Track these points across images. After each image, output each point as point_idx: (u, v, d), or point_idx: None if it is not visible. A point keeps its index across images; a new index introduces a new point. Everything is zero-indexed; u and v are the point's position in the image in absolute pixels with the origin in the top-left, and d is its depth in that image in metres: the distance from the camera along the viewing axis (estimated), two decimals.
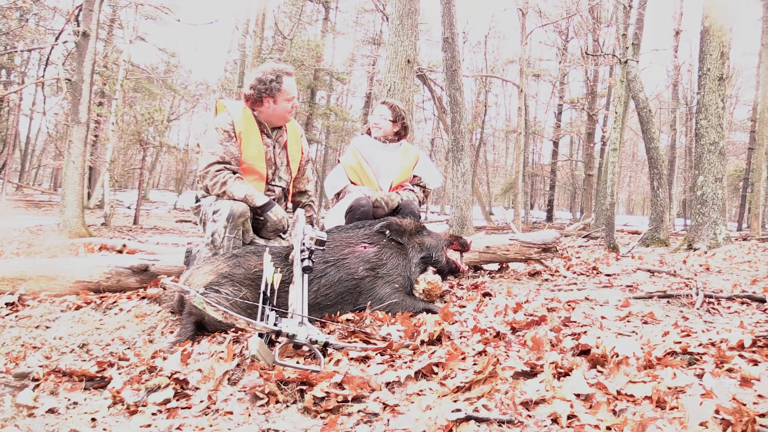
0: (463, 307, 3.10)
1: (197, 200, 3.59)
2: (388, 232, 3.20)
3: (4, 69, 29.32)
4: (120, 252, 7.39)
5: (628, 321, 2.93)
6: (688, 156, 27.31)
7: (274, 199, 3.56)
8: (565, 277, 4.24)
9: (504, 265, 4.46)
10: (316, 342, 2.28)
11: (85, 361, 2.52)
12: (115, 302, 3.51)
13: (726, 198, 7.67)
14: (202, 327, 2.73)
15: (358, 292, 2.97)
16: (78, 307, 3.39)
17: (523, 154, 18.81)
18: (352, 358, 2.29)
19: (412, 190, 4.02)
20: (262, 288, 2.54)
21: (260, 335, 2.33)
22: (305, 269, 2.60)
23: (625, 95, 8.65)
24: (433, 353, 2.25)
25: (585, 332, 2.48)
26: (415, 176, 4.08)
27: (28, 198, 27.43)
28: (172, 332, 2.86)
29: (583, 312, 3.08)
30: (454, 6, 10.84)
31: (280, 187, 3.61)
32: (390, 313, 2.92)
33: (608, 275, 4.34)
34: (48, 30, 22.62)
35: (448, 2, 10.82)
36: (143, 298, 3.62)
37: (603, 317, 2.97)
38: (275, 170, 3.59)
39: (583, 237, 14.81)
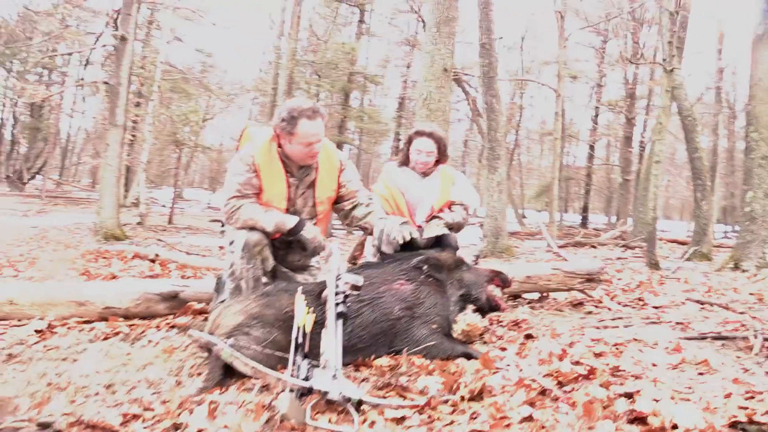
0: (504, 349, 2.93)
1: (223, 225, 3.49)
2: (425, 267, 3.04)
3: (46, 69, 29.99)
4: (153, 261, 7.41)
5: (681, 370, 2.73)
6: (730, 161, 26.49)
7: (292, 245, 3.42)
8: (609, 309, 4.03)
9: (545, 294, 4.27)
10: (349, 399, 2.15)
11: (109, 407, 2.42)
12: (143, 332, 3.44)
13: None
14: (230, 370, 2.62)
15: (393, 333, 2.82)
16: (106, 337, 3.32)
17: (559, 159, 18.42)
18: (387, 418, 2.15)
19: (454, 212, 3.84)
20: (294, 335, 2.42)
21: (291, 390, 2.21)
22: (339, 315, 2.47)
23: (668, 104, 8.32)
24: (474, 417, 2.09)
25: (638, 391, 2.29)
26: (453, 202, 3.90)
27: (68, 195, 28.09)
28: (199, 374, 2.75)
29: (632, 356, 2.90)
30: (492, 11, 10.60)
31: None
32: (427, 356, 2.77)
33: (656, 308, 4.12)
34: (88, 33, 23.02)
35: (486, 7, 10.59)
36: (172, 327, 3.55)
37: (654, 365, 2.77)
38: (295, 212, 3.33)
39: (620, 246, 14.41)
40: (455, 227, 3.68)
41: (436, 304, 2.93)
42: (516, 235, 20.42)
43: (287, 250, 3.45)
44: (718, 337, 3.22)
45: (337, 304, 2.49)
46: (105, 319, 3.65)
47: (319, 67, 20.13)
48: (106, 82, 13.10)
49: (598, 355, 2.84)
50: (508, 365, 2.69)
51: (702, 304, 4.25)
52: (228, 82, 35.69)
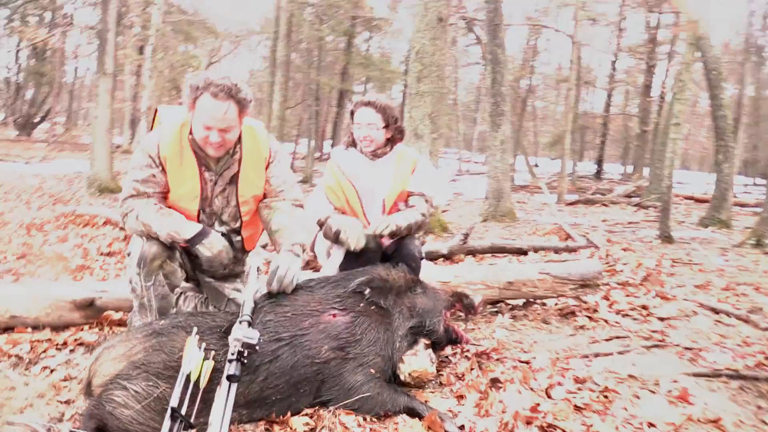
0: (462, 398, 2.34)
1: None
2: (368, 292, 2.42)
3: (49, 11, 28.99)
4: (123, 229, 6.93)
5: None
6: (755, 110, 25.29)
7: None
8: (606, 322, 3.41)
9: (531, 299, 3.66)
10: None
11: None
12: (44, 352, 2.90)
13: None
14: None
15: (320, 380, 2.24)
16: None
17: (573, 111, 17.39)
18: None
19: (413, 206, 3.14)
20: (174, 397, 1.86)
21: None
22: (230, 378, 1.88)
23: (691, 59, 7.45)
24: None
25: None
26: (411, 193, 3.18)
27: (75, 140, 27.69)
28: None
29: (624, 408, 2.31)
30: None
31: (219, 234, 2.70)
32: (361, 410, 2.20)
33: (661, 320, 3.49)
34: None
35: None
36: (80, 344, 3.01)
37: (651, 425, 2.18)
38: (212, 214, 2.71)
39: (633, 206, 13.67)
40: (413, 228, 3.00)
41: (377, 341, 2.33)
42: (525, 188, 19.71)
43: None
44: (735, 376, 2.61)
45: (230, 361, 1.90)
46: (11, 330, 3.12)
47: (322, 10, 19.00)
48: (92, 28, 12.39)
49: (579, 409, 2.25)
50: (462, 428, 2.11)
51: (717, 312, 3.62)
52: (235, 22, 34.43)
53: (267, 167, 2.74)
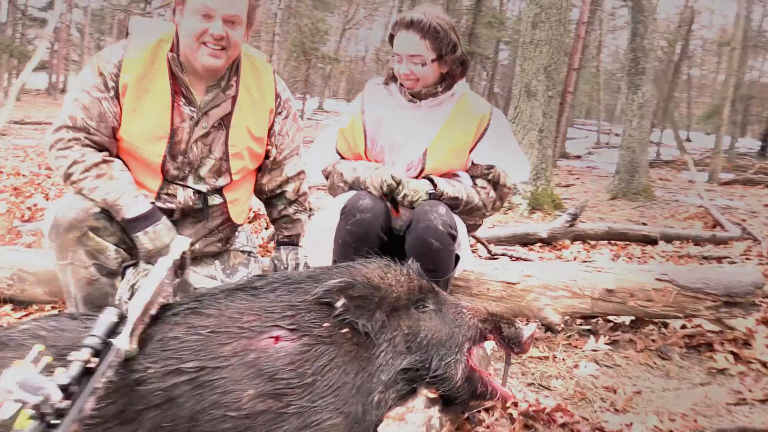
0: None
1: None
2: (342, 302, 1.48)
3: None
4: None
5: None
6: None
7: (173, 217, 1.98)
8: (764, 366, 2.19)
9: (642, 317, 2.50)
10: None
11: None
12: None
13: None
14: None
15: None
16: None
17: (737, 76, 14.76)
18: None
19: (475, 185, 2.17)
20: None
21: None
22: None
23: None
24: None
25: None
26: (475, 164, 2.18)
27: None
28: None
29: None
30: None
31: (192, 193, 1.96)
32: None
33: None
34: None
35: None
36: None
37: None
38: (185, 164, 1.93)
39: None
40: (460, 206, 2.03)
41: (341, 389, 1.40)
42: (671, 164, 17.41)
43: (181, 224, 2.06)
44: None
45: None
46: None
47: None
48: None
49: None
50: None
51: None
52: None
53: (273, 118, 2.02)
